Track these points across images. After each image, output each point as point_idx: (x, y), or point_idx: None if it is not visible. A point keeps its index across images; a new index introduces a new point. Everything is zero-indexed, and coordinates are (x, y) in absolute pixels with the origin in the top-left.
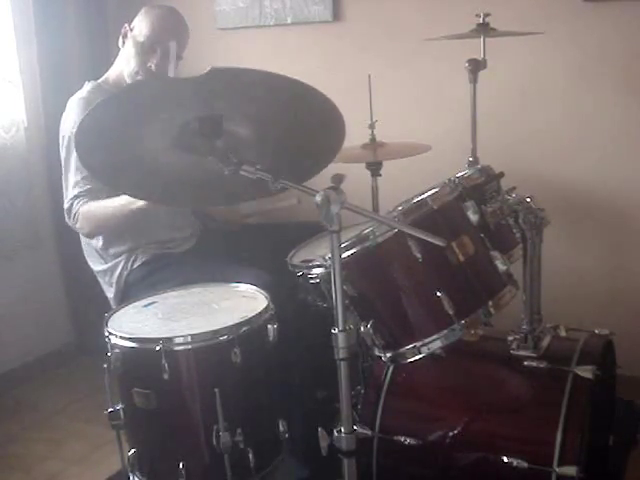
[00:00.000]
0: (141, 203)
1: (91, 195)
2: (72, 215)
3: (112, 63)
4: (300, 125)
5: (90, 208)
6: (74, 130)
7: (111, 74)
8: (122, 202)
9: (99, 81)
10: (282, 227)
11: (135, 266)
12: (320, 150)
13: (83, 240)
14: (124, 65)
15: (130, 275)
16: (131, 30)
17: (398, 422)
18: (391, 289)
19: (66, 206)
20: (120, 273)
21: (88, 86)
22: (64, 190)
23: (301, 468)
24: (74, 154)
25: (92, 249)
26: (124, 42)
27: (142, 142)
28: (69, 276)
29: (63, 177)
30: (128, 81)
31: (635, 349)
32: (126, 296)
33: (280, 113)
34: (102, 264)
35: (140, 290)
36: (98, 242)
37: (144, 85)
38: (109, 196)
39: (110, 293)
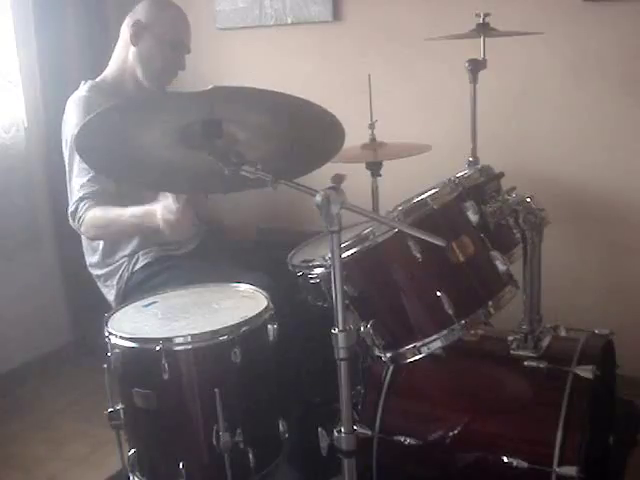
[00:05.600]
0: (155, 226)
1: (97, 198)
2: (77, 218)
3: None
4: (300, 134)
5: (96, 215)
6: (75, 132)
7: (110, 73)
8: (135, 221)
9: (97, 80)
10: (282, 232)
11: (136, 268)
12: (319, 154)
13: (84, 244)
14: (137, 64)
15: (131, 277)
16: (146, 27)
17: (398, 422)
18: (391, 289)
19: (71, 209)
20: (121, 275)
21: (86, 85)
22: (69, 193)
23: (300, 468)
24: (77, 156)
25: (93, 254)
26: (138, 40)
27: (143, 142)
28: (69, 276)
29: (67, 180)
30: (144, 81)
31: (635, 349)
32: (127, 298)
33: (280, 124)
34: (104, 268)
35: (142, 292)
36: (100, 247)
37: (148, 98)
38: (115, 200)
39: (111, 296)
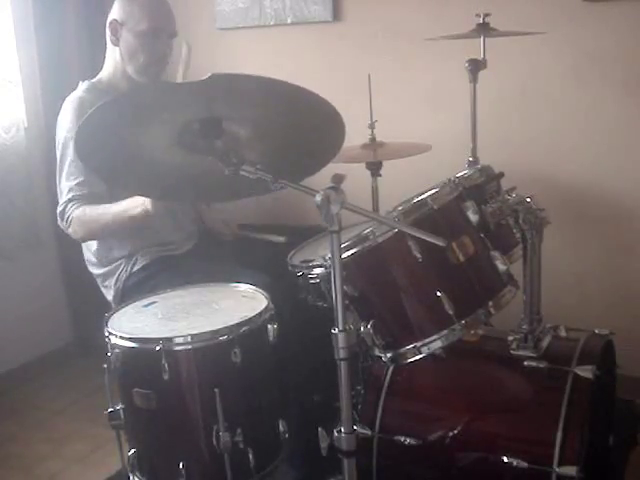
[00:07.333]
0: (139, 210)
1: (86, 200)
2: (65, 218)
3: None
4: (300, 127)
5: (85, 212)
6: (68, 134)
7: (104, 74)
8: (120, 209)
9: (93, 81)
10: (282, 229)
11: (135, 269)
12: (320, 151)
13: (83, 243)
14: (125, 62)
15: (130, 278)
16: (121, 25)
17: (398, 422)
18: (391, 289)
19: (59, 209)
20: (119, 276)
21: (83, 86)
22: (58, 193)
23: (300, 468)
24: (69, 158)
25: (91, 253)
26: (118, 39)
27: (143, 141)
28: (69, 276)
29: (57, 180)
30: (136, 76)
31: (635, 349)
32: (126, 299)
33: (280, 116)
34: (101, 267)
35: (140, 293)
36: (94, 246)
37: (146, 89)
38: (105, 202)
39: (109, 296)
